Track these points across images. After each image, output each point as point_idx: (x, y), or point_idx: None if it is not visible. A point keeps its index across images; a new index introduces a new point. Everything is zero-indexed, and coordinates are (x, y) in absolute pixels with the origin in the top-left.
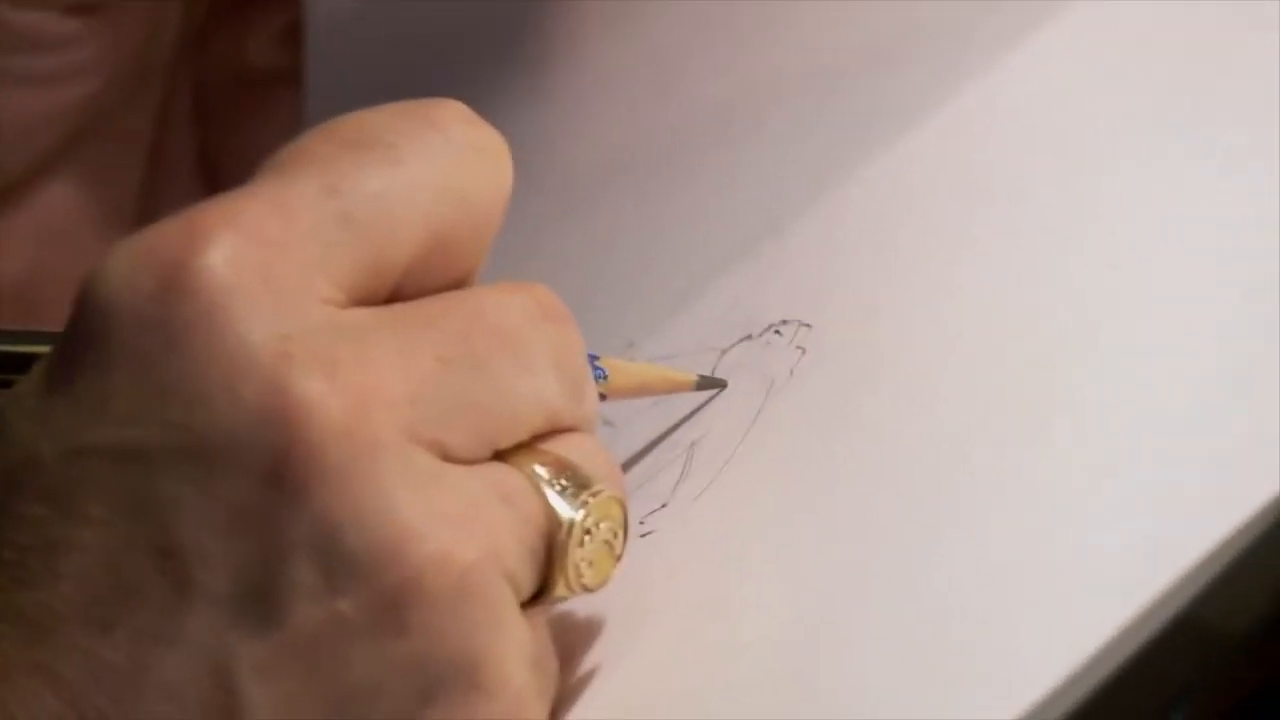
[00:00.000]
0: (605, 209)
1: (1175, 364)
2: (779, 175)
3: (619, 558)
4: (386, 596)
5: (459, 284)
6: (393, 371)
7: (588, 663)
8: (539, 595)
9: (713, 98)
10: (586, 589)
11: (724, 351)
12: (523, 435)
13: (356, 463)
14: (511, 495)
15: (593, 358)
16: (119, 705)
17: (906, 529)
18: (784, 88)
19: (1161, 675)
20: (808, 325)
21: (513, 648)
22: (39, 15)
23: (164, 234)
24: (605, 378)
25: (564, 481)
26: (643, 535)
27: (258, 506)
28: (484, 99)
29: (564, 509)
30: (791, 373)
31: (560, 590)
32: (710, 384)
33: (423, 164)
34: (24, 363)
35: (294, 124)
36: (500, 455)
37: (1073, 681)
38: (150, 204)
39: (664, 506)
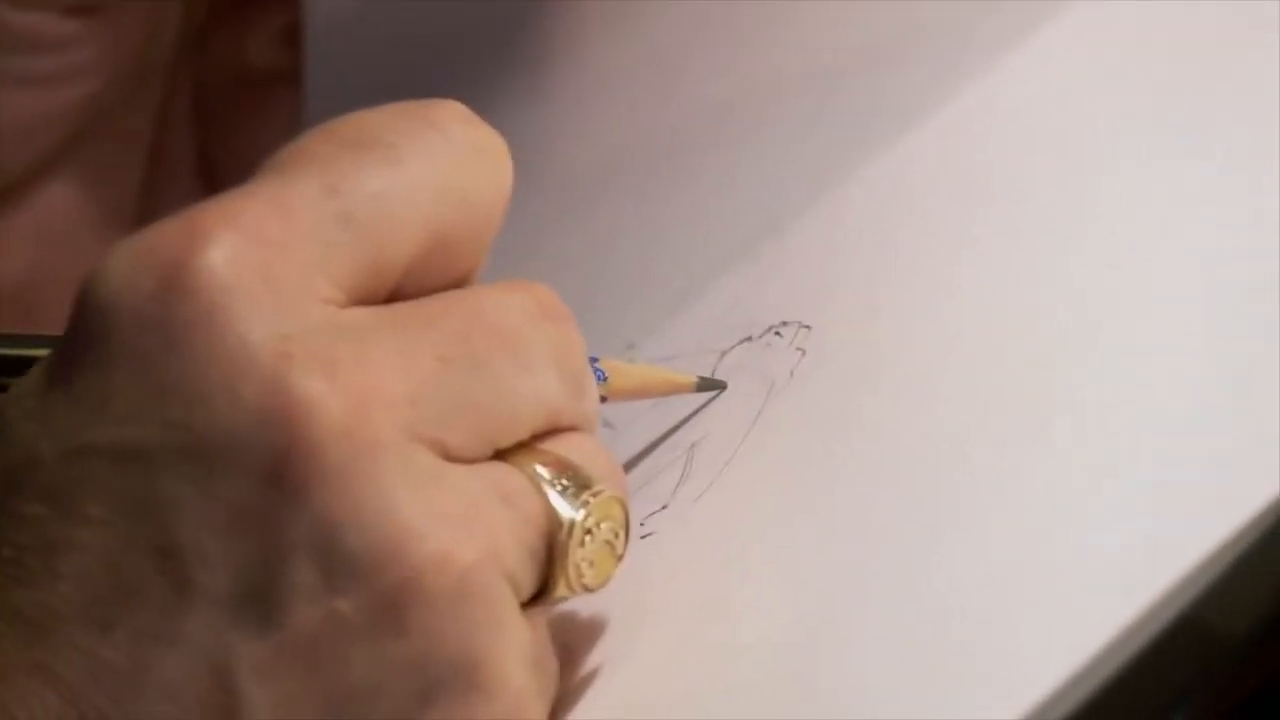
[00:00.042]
0: (605, 209)
1: (1175, 364)
2: (779, 175)
3: (620, 558)
4: (386, 597)
5: (459, 284)
6: (393, 371)
7: (588, 663)
8: (539, 595)
9: (713, 98)
10: (587, 589)
11: (724, 353)
12: (523, 435)
13: (356, 463)
14: (512, 495)
15: (593, 359)
16: (119, 705)
17: (906, 529)
18: (784, 88)
19: (1162, 676)
20: (807, 327)
21: (513, 648)
22: (39, 16)
23: (164, 234)
24: (605, 380)
25: (565, 481)
26: (643, 537)
27: (258, 506)
28: (484, 99)
29: (565, 509)
30: (792, 374)
31: (561, 590)
32: (710, 385)
33: (423, 164)
34: (22, 367)
35: (294, 124)
36: (501, 455)
37: (1073, 682)
38: (150, 204)
39: (664, 508)
